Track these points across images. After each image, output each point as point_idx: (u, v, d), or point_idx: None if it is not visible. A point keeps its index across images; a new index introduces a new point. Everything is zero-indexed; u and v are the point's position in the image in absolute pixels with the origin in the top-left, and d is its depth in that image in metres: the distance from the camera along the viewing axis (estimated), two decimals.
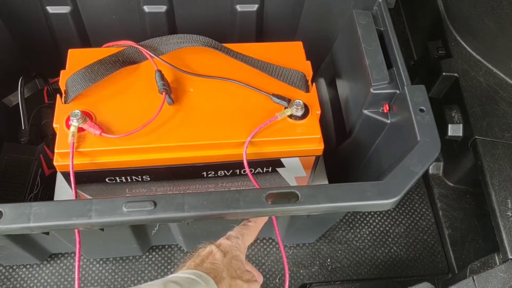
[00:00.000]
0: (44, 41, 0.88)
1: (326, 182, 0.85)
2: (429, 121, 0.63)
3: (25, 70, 0.89)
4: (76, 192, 0.62)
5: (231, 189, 0.77)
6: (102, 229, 0.69)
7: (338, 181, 0.86)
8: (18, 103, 0.83)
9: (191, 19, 0.86)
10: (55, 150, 0.64)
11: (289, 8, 0.86)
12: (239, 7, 0.84)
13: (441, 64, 0.89)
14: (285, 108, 0.69)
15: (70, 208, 0.53)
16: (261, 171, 0.73)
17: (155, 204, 0.54)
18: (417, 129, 0.62)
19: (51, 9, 0.82)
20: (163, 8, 0.82)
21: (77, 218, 0.53)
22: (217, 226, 0.77)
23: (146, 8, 0.82)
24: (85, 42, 0.89)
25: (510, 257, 0.72)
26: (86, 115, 0.65)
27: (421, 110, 0.63)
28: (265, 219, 0.64)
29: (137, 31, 0.86)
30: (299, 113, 0.68)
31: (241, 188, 0.78)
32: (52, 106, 0.73)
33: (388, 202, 0.57)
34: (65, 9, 0.82)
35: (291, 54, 0.76)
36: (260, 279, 0.60)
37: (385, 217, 0.97)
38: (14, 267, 0.88)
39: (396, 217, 0.98)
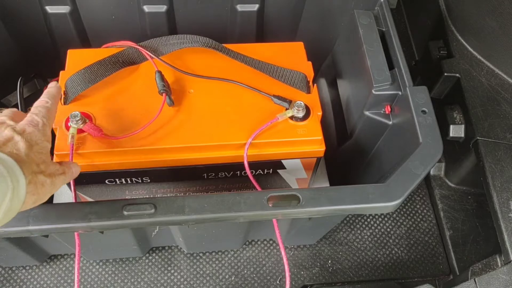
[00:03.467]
0: (43, 41, 0.87)
1: (327, 183, 0.84)
2: (431, 123, 0.62)
3: (24, 70, 0.88)
4: (75, 195, 0.62)
5: (232, 190, 0.77)
6: (102, 232, 0.68)
7: (339, 182, 0.86)
8: (17, 103, 0.82)
9: (191, 19, 0.86)
10: (54, 152, 0.63)
11: (290, 8, 0.86)
12: (239, 7, 0.83)
13: (443, 64, 0.89)
14: (286, 109, 0.68)
15: (69, 211, 0.53)
16: (262, 173, 0.72)
17: (155, 207, 0.53)
18: (419, 131, 0.62)
19: (50, 9, 0.81)
20: (163, 8, 0.82)
21: (76, 221, 0.52)
22: (218, 228, 0.77)
23: (146, 8, 0.81)
24: (85, 42, 0.88)
25: None
26: (86, 117, 0.65)
27: (423, 112, 0.63)
28: (59, 95, 0.58)
29: (137, 31, 0.86)
30: (300, 114, 0.67)
31: (242, 190, 0.77)
32: None
33: (390, 205, 0.57)
34: (64, 9, 0.81)
35: (292, 55, 0.75)
36: (67, 171, 0.52)
37: (386, 219, 0.97)
38: (14, 268, 0.87)
39: (397, 218, 0.97)
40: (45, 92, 0.56)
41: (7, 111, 0.52)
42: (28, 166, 0.45)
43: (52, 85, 0.58)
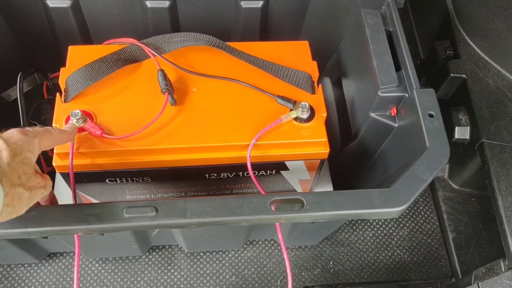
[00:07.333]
0: (44, 36, 0.86)
1: (330, 184, 0.83)
2: (439, 127, 0.61)
3: (24, 64, 0.87)
4: (75, 195, 0.61)
5: (234, 191, 0.76)
6: (102, 234, 0.67)
7: (342, 183, 0.85)
8: (17, 97, 0.81)
9: (195, 15, 0.84)
10: (54, 151, 0.62)
11: (295, 5, 0.84)
12: (243, 4, 0.82)
13: (449, 65, 0.87)
14: (290, 110, 0.67)
15: (69, 213, 0.52)
16: (265, 174, 0.72)
17: (156, 210, 0.52)
18: (426, 134, 0.60)
19: (51, 3, 0.80)
20: (166, 4, 0.80)
21: (76, 223, 0.51)
22: (219, 229, 0.76)
23: (149, 4, 0.80)
24: (86, 37, 0.87)
25: None
26: (87, 115, 0.64)
27: (430, 115, 0.62)
28: (70, 134, 0.59)
29: (139, 27, 0.85)
30: (305, 115, 0.66)
31: (244, 191, 0.76)
32: (51, 102, 0.72)
33: (395, 210, 0.56)
34: (65, 3, 0.80)
35: (297, 54, 0.74)
36: (48, 184, 0.51)
37: (388, 220, 0.96)
38: (12, 266, 0.86)
39: (399, 219, 0.96)
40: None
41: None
42: (8, 178, 0.44)
43: (68, 125, 0.61)
